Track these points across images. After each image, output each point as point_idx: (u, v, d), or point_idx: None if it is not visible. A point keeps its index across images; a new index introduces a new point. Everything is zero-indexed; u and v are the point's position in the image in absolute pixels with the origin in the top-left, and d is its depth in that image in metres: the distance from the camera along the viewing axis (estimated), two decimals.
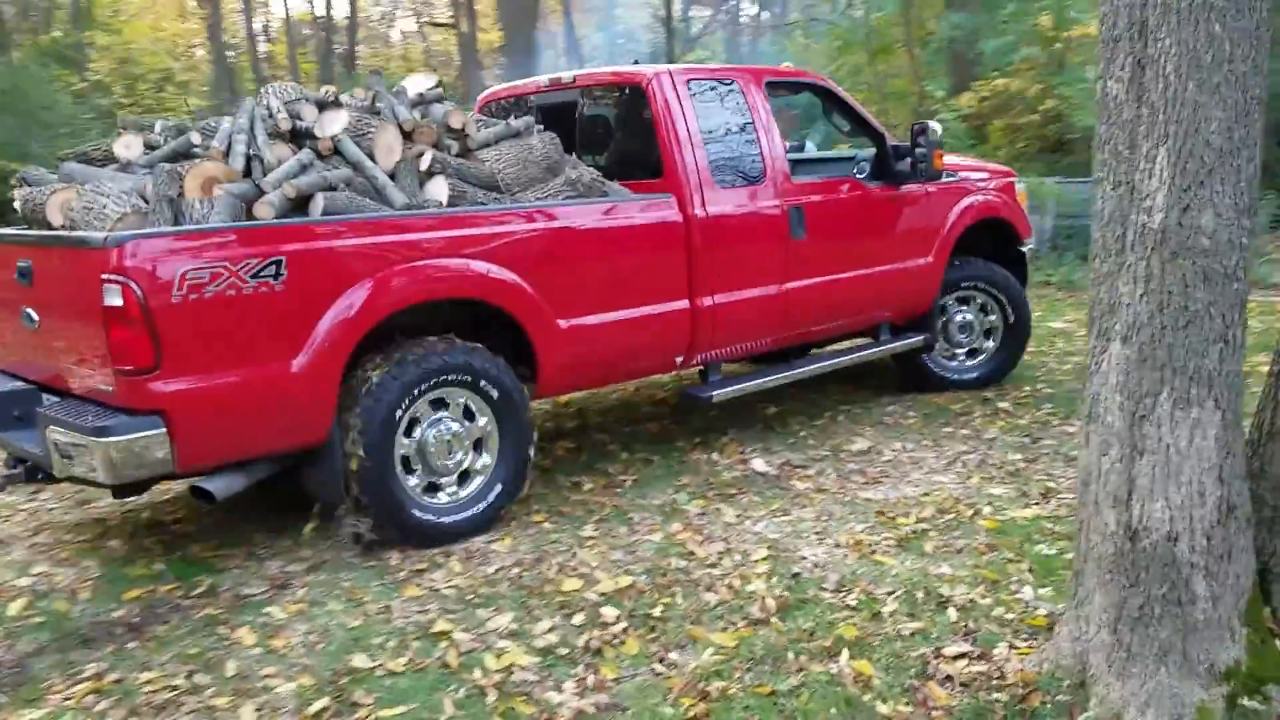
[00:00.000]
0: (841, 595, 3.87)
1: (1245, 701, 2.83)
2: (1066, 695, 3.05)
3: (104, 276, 3.81)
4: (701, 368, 5.69)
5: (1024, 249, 6.96)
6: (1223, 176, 2.76)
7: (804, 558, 4.23)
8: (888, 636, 3.53)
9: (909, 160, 6.13)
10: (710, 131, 5.51)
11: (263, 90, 5.12)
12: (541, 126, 5.38)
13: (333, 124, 4.77)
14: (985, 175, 6.90)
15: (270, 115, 4.77)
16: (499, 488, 4.73)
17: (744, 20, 29.48)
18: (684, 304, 5.33)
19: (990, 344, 6.84)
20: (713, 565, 4.21)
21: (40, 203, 4.64)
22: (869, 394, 6.82)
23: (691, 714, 3.15)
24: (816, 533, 4.51)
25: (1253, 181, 2.80)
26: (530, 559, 4.36)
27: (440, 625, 3.78)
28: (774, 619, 3.70)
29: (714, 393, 5.58)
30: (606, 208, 5.16)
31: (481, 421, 4.70)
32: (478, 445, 4.73)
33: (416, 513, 4.50)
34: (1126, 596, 2.92)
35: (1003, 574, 3.97)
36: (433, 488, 4.62)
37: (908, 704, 3.14)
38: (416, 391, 4.45)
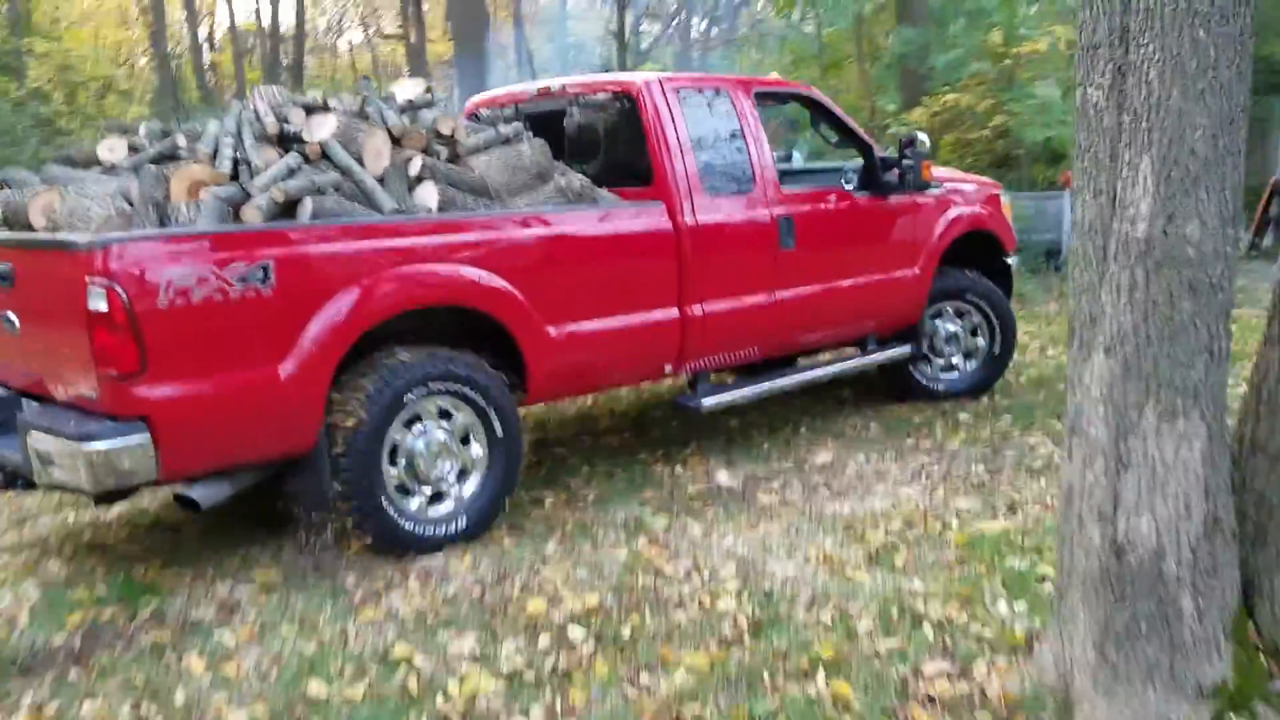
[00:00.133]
0: (814, 613, 3.77)
1: (1233, 718, 2.78)
2: (1051, 716, 2.98)
3: (88, 279, 3.72)
4: (691, 376, 5.62)
5: (1009, 261, 6.99)
6: (1208, 185, 2.72)
7: (774, 574, 4.14)
8: (865, 655, 3.43)
9: (897, 171, 6.13)
10: (700, 140, 5.48)
11: (250, 93, 5.04)
12: (531, 133, 5.31)
13: (321, 128, 4.67)
14: (974, 188, 6.92)
15: (257, 119, 4.69)
16: (487, 497, 4.65)
17: (694, 36, 29.61)
18: (674, 312, 5.29)
19: (977, 353, 6.84)
20: (681, 583, 4.11)
21: (21, 205, 4.48)
22: (830, 405, 6.77)
23: None
24: (785, 548, 4.42)
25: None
26: (491, 578, 4.22)
27: (399, 650, 3.62)
28: (747, 638, 3.60)
29: (704, 401, 5.52)
30: (596, 215, 5.11)
31: (471, 427, 4.63)
32: (465, 445, 4.65)
33: (404, 521, 4.41)
34: (1112, 614, 2.85)
35: (976, 589, 3.89)
36: (415, 495, 4.53)
37: None
38: (405, 399, 4.38)
